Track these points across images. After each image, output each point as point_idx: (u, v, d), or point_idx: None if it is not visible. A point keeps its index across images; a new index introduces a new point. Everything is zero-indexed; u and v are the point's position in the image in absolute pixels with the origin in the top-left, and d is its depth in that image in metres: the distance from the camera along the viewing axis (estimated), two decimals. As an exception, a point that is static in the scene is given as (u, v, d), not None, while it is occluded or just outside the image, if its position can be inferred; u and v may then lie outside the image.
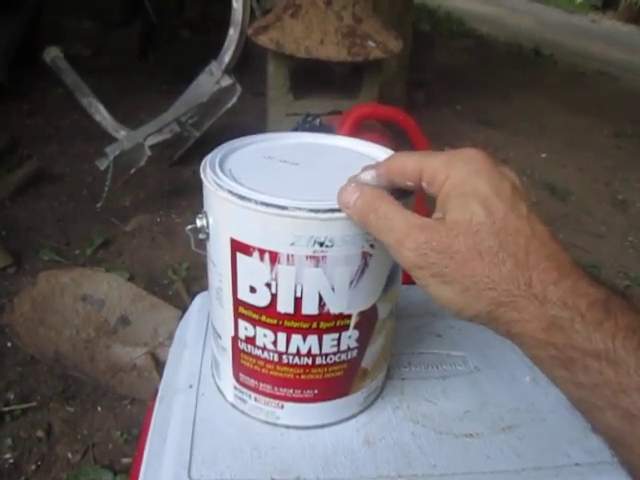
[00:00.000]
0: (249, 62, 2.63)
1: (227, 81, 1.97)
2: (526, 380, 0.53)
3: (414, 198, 0.39)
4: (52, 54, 2.21)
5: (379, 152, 0.46)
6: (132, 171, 1.91)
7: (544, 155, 2.91)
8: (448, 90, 3.58)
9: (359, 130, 1.17)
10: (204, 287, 0.52)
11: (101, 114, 2.16)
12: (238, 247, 0.39)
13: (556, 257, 0.30)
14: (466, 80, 3.97)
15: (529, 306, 0.29)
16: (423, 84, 3.41)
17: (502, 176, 0.32)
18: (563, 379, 0.29)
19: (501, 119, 3.27)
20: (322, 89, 2.15)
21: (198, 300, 0.64)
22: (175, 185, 2.09)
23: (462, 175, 0.32)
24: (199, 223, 0.42)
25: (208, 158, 0.43)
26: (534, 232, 0.31)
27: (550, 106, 3.70)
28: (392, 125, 1.37)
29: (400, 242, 0.32)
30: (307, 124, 1.38)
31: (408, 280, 0.60)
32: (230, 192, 0.38)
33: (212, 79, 1.96)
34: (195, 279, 1.61)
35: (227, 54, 1.93)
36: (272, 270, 0.39)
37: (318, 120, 1.36)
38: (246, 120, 2.39)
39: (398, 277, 0.44)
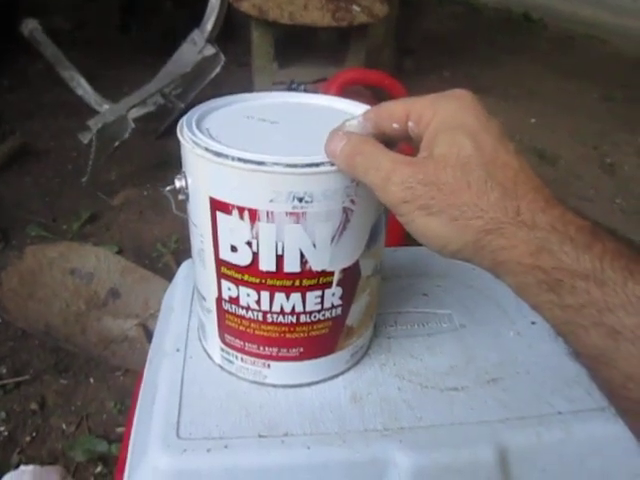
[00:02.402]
0: (233, 33, 2.58)
1: (210, 50, 1.93)
2: (510, 335, 0.53)
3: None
4: (30, 27, 2.16)
5: (358, 109, 0.46)
6: (116, 144, 1.88)
7: (534, 120, 2.90)
8: (436, 56, 3.53)
9: (345, 96, 1.15)
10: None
11: (83, 88, 2.11)
12: (217, 206, 0.39)
13: (542, 191, 0.31)
14: (454, 46, 3.91)
15: (517, 232, 0.29)
16: (411, 51, 3.35)
17: (490, 115, 0.33)
18: (549, 303, 0.29)
19: (490, 85, 3.23)
20: (308, 57, 2.11)
21: (184, 267, 0.64)
22: (162, 158, 2.06)
23: (450, 111, 0.33)
24: (178, 184, 0.42)
25: (185, 117, 0.42)
26: (522, 167, 0.31)
27: (540, 71, 3.66)
28: (379, 91, 1.36)
29: (386, 178, 0.33)
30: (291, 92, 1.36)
31: (393, 242, 0.60)
32: (207, 149, 0.38)
33: (195, 48, 1.92)
34: (184, 252, 1.60)
35: (209, 22, 1.88)
36: (252, 228, 0.38)
37: (302, 87, 1.34)
38: (231, 91, 2.34)
39: (381, 234, 0.44)
